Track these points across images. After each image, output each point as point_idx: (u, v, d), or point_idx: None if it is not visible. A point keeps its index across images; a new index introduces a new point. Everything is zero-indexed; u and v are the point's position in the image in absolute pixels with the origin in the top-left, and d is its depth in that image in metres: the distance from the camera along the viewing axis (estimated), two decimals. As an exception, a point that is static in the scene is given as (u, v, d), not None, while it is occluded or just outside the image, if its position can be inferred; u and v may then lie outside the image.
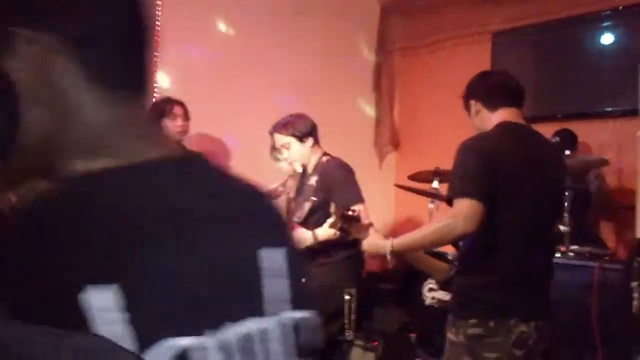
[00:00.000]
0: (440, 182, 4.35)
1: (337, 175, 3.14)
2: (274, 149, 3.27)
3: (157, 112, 3.76)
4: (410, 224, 5.39)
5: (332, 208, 2.33)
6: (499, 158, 2.21)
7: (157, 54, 4.49)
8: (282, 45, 5.07)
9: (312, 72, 5.27)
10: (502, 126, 2.34)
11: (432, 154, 4.42)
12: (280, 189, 3.67)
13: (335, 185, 3.11)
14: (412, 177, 4.67)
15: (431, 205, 4.32)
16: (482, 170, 2.17)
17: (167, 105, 3.78)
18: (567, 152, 3.77)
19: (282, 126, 3.21)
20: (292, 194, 3.22)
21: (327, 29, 5.38)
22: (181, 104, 3.80)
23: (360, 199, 3.09)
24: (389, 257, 2.29)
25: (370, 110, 5.78)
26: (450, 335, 2.28)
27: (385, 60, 5.77)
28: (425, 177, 4.50)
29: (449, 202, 2.21)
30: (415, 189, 4.39)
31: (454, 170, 2.25)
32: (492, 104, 2.40)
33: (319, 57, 5.33)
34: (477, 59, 5.18)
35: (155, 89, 4.44)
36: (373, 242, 2.37)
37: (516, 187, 2.22)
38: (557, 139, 4.21)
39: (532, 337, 2.23)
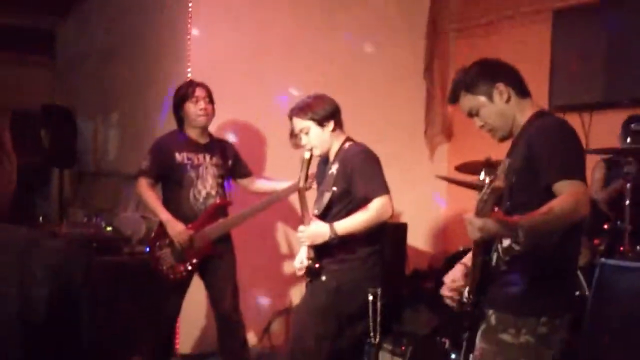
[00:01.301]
0: (488, 173, 4.00)
1: (358, 162, 2.84)
2: (292, 134, 3.00)
3: (178, 96, 3.59)
4: (461, 220, 5.01)
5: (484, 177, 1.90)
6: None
7: (189, 37, 4.35)
8: (323, 27, 4.82)
9: (357, 56, 4.99)
10: (552, 115, 2.23)
11: (486, 144, 4.05)
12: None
13: (356, 174, 2.82)
14: (460, 169, 4.33)
15: (479, 199, 3.98)
16: (583, 154, 2.10)
17: (188, 88, 3.60)
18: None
19: (299, 109, 2.94)
20: (301, 184, 2.92)
21: (372, 9, 5.06)
22: (204, 86, 3.61)
23: (384, 190, 2.79)
24: (521, 238, 1.93)
25: (421, 98, 5.42)
26: (506, 337, 2.07)
27: (437, 42, 5.38)
28: (474, 168, 4.15)
29: (552, 181, 1.98)
30: (459, 181, 4.06)
31: (558, 149, 2.05)
32: (523, 92, 2.22)
33: (364, 39, 5.03)
34: (537, 40, 4.78)
35: (189, 72, 4.29)
36: (501, 221, 1.90)
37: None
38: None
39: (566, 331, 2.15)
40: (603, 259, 2.73)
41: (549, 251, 2.05)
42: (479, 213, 1.85)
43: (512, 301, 2.10)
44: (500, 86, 2.17)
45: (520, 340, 2.05)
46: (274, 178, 3.99)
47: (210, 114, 3.60)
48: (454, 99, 2.26)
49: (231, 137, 4.24)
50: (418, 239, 5.17)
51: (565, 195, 1.93)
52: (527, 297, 2.08)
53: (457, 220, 5.36)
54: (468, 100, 2.22)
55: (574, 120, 4.43)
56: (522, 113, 2.18)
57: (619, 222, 3.03)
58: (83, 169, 6.23)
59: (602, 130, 4.33)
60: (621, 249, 2.98)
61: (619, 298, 2.71)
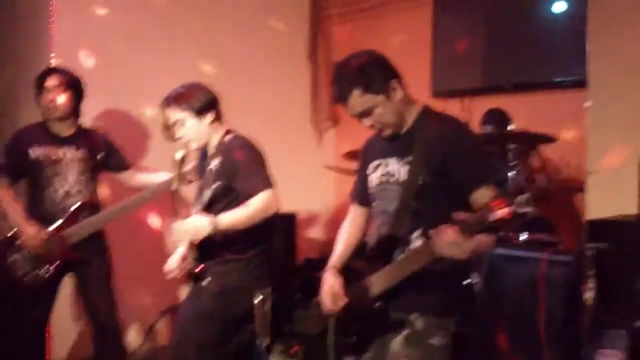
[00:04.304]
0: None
1: (239, 157, 2.65)
2: (166, 126, 2.77)
3: (34, 87, 3.26)
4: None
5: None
6: None
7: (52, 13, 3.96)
8: (204, 11, 4.55)
9: (239, 41, 4.77)
10: (445, 113, 2.24)
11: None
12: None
13: (238, 170, 2.64)
14: (348, 156, 4.26)
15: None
16: None
17: (40, 78, 3.27)
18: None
19: (173, 99, 2.70)
20: (174, 186, 2.68)
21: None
22: (58, 73, 3.29)
23: (266, 185, 2.62)
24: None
25: (305, 83, 5.29)
26: (434, 341, 2.07)
27: (320, 27, 5.29)
28: (361, 155, 4.10)
29: (473, 188, 2.04)
30: (349, 170, 3.98)
31: (480, 155, 2.16)
32: (404, 85, 2.16)
33: (246, 23, 4.82)
34: (419, 24, 4.78)
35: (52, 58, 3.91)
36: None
37: None
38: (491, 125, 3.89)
39: None
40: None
41: None
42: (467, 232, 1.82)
43: (434, 303, 2.08)
44: (394, 82, 2.11)
45: (444, 342, 2.06)
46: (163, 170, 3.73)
47: (61, 105, 3.25)
48: (344, 98, 2.10)
49: (110, 128, 3.89)
50: (308, 227, 5.08)
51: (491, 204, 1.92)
52: (445, 297, 2.09)
53: (346, 207, 5.32)
54: (364, 100, 2.08)
55: (455, 106, 4.48)
56: (408, 108, 2.17)
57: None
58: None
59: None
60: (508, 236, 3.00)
61: (508, 287, 2.73)
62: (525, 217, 1.75)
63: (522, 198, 1.72)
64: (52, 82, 3.24)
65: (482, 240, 1.87)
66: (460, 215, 1.83)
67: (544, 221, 3.41)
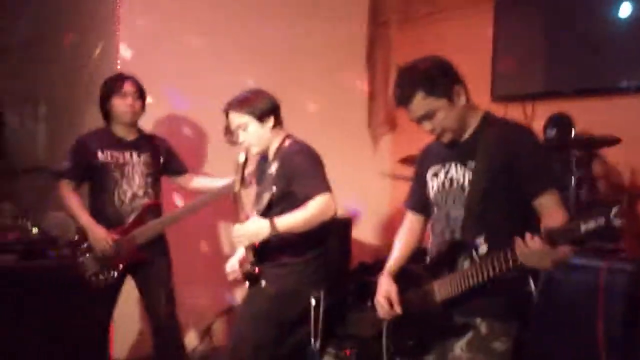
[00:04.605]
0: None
1: (298, 162, 2.70)
2: (228, 130, 2.84)
3: (105, 90, 3.39)
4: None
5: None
6: None
7: (119, 26, 4.12)
8: (262, 14, 4.63)
9: (297, 45, 4.83)
10: (505, 118, 2.28)
11: (430, 135, 3.97)
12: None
13: (296, 174, 2.68)
14: (404, 161, 4.25)
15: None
16: None
17: (116, 82, 3.40)
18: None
19: (238, 104, 2.77)
20: (236, 188, 2.75)
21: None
22: (134, 81, 3.42)
23: (324, 189, 2.65)
24: None
25: (363, 88, 5.31)
26: (498, 345, 2.07)
27: (379, 32, 5.29)
28: (417, 160, 4.08)
29: (539, 191, 2.05)
30: (404, 177, 3.98)
31: (544, 159, 2.16)
32: (467, 92, 2.16)
33: (304, 27, 4.88)
34: (479, 30, 4.72)
35: (118, 64, 4.06)
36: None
37: None
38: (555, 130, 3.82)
39: None
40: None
41: None
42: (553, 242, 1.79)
43: (498, 308, 2.08)
44: (459, 88, 2.11)
45: (506, 347, 2.06)
46: (218, 175, 3.82)
47: (137, 111, 3.42)
48: (407, 100, 2.10)
49: (170, 133, 4.02)
50: (362, 232, 5.09)
51: (559, 210, 2.00)
52: (509, 302, 2.08)
53: (401, 212, 5.30)
54: (427, 103, 2.08)
55: (516, 110, 4.41)
56: (471, 114, 2.17)
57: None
58: (11, 165, 5.90)
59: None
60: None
61: (567, 295, 2.67)
62: (616, 230, 1.69)
63: (614, 211, 1.66)
64: (130, 87, 3.38)
65: (563, 250, 1.85)
66: (548, 225, 1.84)
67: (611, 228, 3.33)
